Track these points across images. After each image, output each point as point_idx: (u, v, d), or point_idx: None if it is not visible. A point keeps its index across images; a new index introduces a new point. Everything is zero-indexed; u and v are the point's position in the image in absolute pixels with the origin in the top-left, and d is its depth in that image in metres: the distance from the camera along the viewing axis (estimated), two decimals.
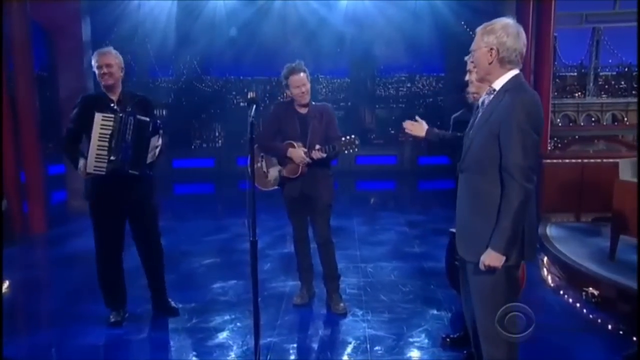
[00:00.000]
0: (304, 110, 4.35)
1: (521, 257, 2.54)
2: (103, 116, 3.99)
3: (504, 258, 2.45)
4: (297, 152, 4.22)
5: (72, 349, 3.95)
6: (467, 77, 3.32)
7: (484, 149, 2.51)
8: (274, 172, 4.44)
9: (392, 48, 13.82)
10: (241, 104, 15.89)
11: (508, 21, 2.55)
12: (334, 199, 4.48)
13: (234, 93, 15.82)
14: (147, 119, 4.11)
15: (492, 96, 2.57)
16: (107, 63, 4.06)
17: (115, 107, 4.09)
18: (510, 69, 2.55)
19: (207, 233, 7.46)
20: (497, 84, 2.56)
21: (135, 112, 4.07)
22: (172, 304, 4.53)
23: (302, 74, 4.24)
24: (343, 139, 4.19)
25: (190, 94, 15.50)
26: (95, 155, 3.96)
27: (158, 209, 4.47)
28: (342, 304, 4.47)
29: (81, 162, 4.00)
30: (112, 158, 3.98)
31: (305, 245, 4.60)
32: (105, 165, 3.98)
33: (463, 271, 2.81)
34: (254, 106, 3.12)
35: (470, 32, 12.31)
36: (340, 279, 4.61)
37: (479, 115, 2.61)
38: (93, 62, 4.13)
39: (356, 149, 4.21)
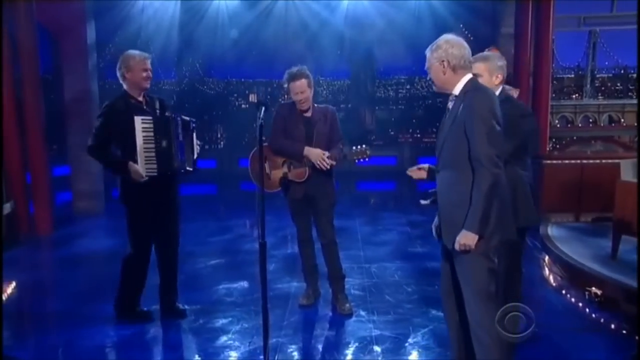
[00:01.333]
0: (308, 114, 4.32)
1: (502, 236, 2.76)
2: (142, 119, 4.00)
3: (476, 237, 2.65)
4: (315, 151, 4.16)
5: (80, 349, 3.92)
6: None
7: (456, 148, 2.75)
8: (277, 174, 4.39)
9: (392, 50, 13.79)
10: (243, 106, 15.85)
11: (448, 36, 2.87)
12: (336, 200, 4.46)
13: (235, 95, 15.77)
14: (189, 119, 4.27)
15: (453, 102, 2.83)
16: (151, 69, 4.14)
17: (146, 109, 4.13)
18: (463, 74, 2.82)
19: (211, 234, 7.43)
20: (456, 90, 2.83)
21: (178, 113, 4.19)
22: (180, 306, 4.50)
23: (302, 80, 4.17)
24: (354, 148, 4.19)
25: (193, 96, 15.44)
26: (145, 158, 3.99)
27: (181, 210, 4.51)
28: (347, 305, 4.44)
29: (133, 167, 3.98)
30: (168, 158, 4.05)
31: (309, 246, 4.57)
32: (155, 167, 4.02)
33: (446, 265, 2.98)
34: (263, 108, 3.09)
35: (469, 35, 12.29)
36: (345, 279, 4.58)
37: (446, 118, 2.86)
38: (137, 62, 4.08)
39: (367, 159, 4.22)
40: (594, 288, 4.58)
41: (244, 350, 3.82)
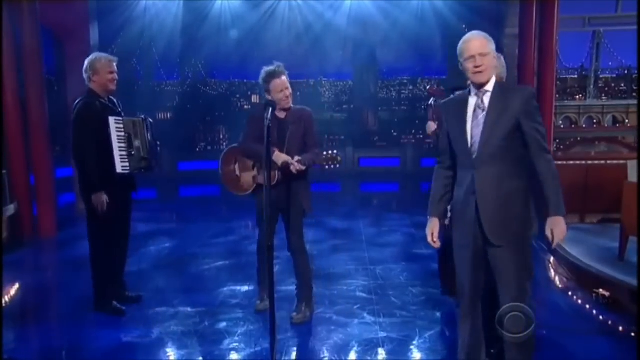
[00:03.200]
0: (282, 115, 4.14)
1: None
2: (115, 119, 4.12)
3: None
4: (282, 157, 3.98)
5: (84, 351, 3.89)
6: None
7: (507, 141, 2.76)
8: (247, 177, 4.29)
9: (395, 51, 13.79)
10: (245, 106, 15.87)
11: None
12: (310, 209, 4.25)
13: (238, 96, 15.80)
14: (150, 120, 4.43)
15: (487, 97, 2.83)
16: (117, 71, 4.24)
17: (114, 109, 4.27)
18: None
19: (215, 235, 7.41)
20: (490, 86, 2.84)
21: (146, 115, 4.33)
22: (130, 294, 4.70)
23: (283, 77, 4.05)
24: (325, 153, 4.01)
25: (195, 97, 15.47)
26: (120, 156, 4.14)
27: None
28: (301, 315, 4.26)
29: (101, 197, 4.15)
30: (144, 157, 4.24)
31: (269, 253, 4.30)
32: (128, 165, 4.18)
33: (478, 265, 2.93)
34: (270, 109, 3.07)
35: None
36: (312, 291, 4.44)
37: (486, 114, 2.80)
38: (103, 66, 4.19)
39: (337, 165, 4.02)
40: (601, 290, 4.54)
41: (250, 352, 3.78)
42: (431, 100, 4.88)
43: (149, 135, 4.30)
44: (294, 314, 4.31)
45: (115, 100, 4.41)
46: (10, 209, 6.95)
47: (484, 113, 2.82)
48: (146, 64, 14.30)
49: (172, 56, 14.19)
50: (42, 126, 7.42)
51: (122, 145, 4.15)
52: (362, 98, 15.63)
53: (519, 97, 2.78)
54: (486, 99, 2.83)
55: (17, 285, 5.37)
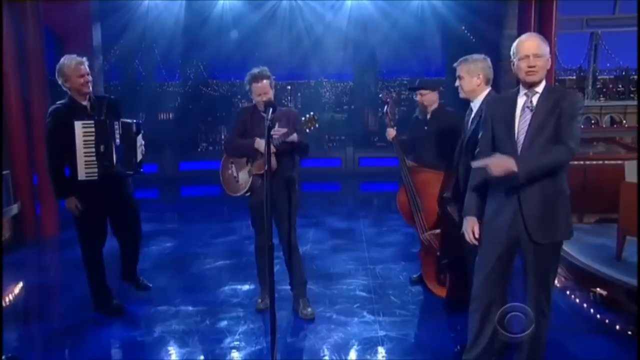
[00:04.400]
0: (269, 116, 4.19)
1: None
2: (83, 124, 4.03)
3: (515, 169, 2.70)
4: (259, 142, 4.07)
5: (86, 350, 3.91)
6: (457, 83, 3.62)
7: (549, 143, 2.79)
8: (244, 176, 4.35)
9: (395, 52, 13.79)
10: None
11: None
12: (299, 205, 4.37)
13: (239, 96, 15.76)
14: (131, 121, 4.28)
15: (535, 98, 2.86)
16: (88, 71, 4.15)
17: (90, 113, 4.14)
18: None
19: (216, 235, 7.41)
20: (539, 87, 2.87)
21: (118, 116, 4.20)
22: (143, 280, 4.71)
23: (264, 82, 4.11)
24: (303, 118, 4.02)
25: (197, 98, 15.47)
26: (84, 162, 4.02)
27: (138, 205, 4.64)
28: (309, 309, 4.36)
29: (71, 203, 4.10)
30: (106, 163, 4.07)
31: (271, 252, 4.37)
32: (96, 171, 4.06)
33: (503, 265, 3.02)
34: (271, 109, 3.08)
35: (470, 36, 12.28)
36: (307, 284, 4.52)
37: (533, 114, 2.84)
38: (71, 70, 4.11)
39: (316, 125, 3.97)
40: (598, 289, 4.55)
41: (250, 351, 3.80)
42: (386, 108, 4.87)
43: (118, 137, 4.14)
44: (303, 310, 4.36)
45: (105, 101, 4.30)
46: (14, 209, 6.97)
47: (532, 113, 2.86)
48: (148, 65, 14.31)
49: (173, 57, 14.18)
50: (45, 126, 7.42)
51: (87, 150, 4.03)
52: (362, 98, 15.63)
53: (567, 100, 2.81)
54: (535, 100, 2.87)
55: (20, 284, 5.38)
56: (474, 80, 3.55)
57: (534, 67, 2.81)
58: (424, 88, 4.67)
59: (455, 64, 3.65)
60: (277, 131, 4.02)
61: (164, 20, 12.95)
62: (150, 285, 4.64)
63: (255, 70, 4.15)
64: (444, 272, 4.49)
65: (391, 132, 4.80)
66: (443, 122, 4.56)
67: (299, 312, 4.37)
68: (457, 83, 3.63)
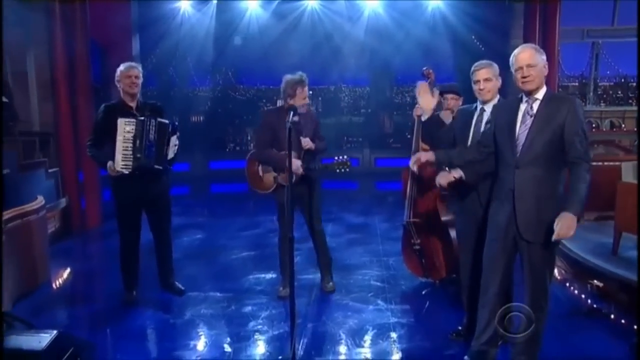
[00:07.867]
0: (295, 118, 4.25)
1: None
2: (125, 121, 4.18)
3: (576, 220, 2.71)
4: (294, 163, 4.03)
5: (125, 330, 4.02)
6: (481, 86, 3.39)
7: (551, 146, 2.81)
8: (269, 177, 4.42)
9: (408, 59, 13.70)
10: None
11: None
12: (322, 199, 4.60)
13: (264, 101, 15.84)
14: (167, 121, 4.36)
15: (536, 105, 2.86)
16: (137, 75, 4.29)
17: (134, 112, 4.28)
18: (544, 83, 2.90)
19: (242, 228, 7.49)
20: (540, 94, 2.87)
21: (155, 116, 4.30)
22: (178, 285, 4.70)
23: (306, 87, 4.21)
24: (336, 158, 4.18)
25: (225, 102, 15.59)
26: (122, 155, 4.16)
27: (171, 203, 4.66)
28: (331, 283, 4.68)
29: (109, 163, 4.18)
30: (138, 156, 4.18)
31: (291, 244, 4.45)
32: (131, 164, 4.18)
33: (504, 260, 3.02)
34: (292, 112, 3.13)
35: (480, 45, 12.18)
36: (331, 263, 4.75)
37: (533, 120, 2.85)
38: (123, 73, 4.26)
39: (347, 169, 4.19)
40: (595, 281, 4.55)
41: (272, 334, 3.86)
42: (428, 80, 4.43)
43: (152, 135, 4.23)
44: (327, 284, 4.64)
45: (148, 106, 4.40)
46: (62, 203, 7.14)
47: (532, 119, 2.86)
48: (181, 72, 14.45)
49: (204, 65, 14.31)
50: (89, 129, 7.57)
51: (125, 145, 4.16)
52: (378, 103, 15.58)
53: (566, 107, 2.80)
54: (535, 106, 2.87)
55: (68, 270, 5.54)
56: (498, 83, 3.44)
57: (527, 76, 2.82)
58: (455, 93, 4.64)
59: (477, 68, 3.36)
60: (306, 143, 4.16)
61: (196, 31, 13.09)
62: (184, 288, 4.67)
63: (298, 76, 4.19)
64: (418, 255, 4.63)
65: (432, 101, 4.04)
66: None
67: (322, 286, 4.65)
68: (481, 86, 3.35)
